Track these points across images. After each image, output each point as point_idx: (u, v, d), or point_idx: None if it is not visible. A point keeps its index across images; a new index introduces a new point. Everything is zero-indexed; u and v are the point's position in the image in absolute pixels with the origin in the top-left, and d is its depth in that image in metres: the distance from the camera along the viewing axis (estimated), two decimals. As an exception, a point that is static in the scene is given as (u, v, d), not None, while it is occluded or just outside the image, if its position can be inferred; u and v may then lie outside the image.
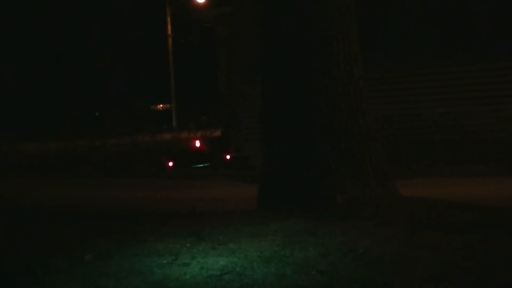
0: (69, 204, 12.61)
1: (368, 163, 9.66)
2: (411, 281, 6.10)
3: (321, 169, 9.50)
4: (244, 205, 10.46)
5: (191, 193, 13.75)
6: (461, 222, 8.34)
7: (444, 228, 7.94)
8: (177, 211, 10.74)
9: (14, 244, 8.57)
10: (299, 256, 7.02)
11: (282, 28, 9.84)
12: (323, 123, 9.58)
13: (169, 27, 34.68)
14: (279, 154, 9.81)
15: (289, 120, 9.73)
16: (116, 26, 29.44)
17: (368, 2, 17.55)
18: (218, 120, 23.57)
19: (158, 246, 7.70)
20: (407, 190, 10.11)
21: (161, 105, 47.73)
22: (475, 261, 6.57)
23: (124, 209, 11.70)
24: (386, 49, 18.69)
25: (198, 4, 31.26)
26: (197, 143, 18.75)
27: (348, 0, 9.90)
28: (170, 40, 34.68)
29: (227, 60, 22.21)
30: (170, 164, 17.38)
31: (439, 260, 6.62)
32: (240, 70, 20.31)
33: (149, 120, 28.88)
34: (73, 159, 20.74)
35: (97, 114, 37.54)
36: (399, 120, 18.35)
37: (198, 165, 17.61)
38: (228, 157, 18.25)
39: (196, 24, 30.25)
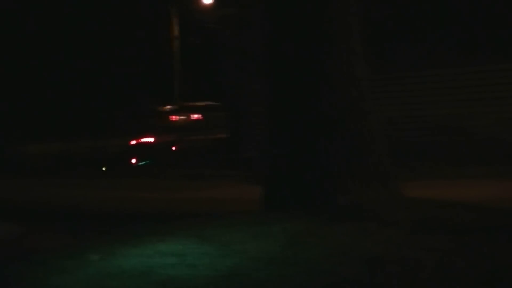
0: (71, 204, 12.64)
1: (371, 164, 9.68)
2: (412, 282, 6.15)
3: (324, 170, 9.52)
4: (248, 206, 10.47)
5: (194, 194, 13.78)
6: (463, 224, 8.36)
7: (446, 230, 7.97)
8: (180, 212, 10.77)
9: (16, 245, 8.61)
10: (302, 257, 7.06)
11: (284, 30, 9.87)
12: (326, 124, 9.61)
13: (174, 28, 34.70)
14: (283, 156, 9.83)
15: (292, 122, 9.76)
16: (122, 27, 29.46)
17: (373, 2, 17.55)
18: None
19: (161, 247, 7.74)
20: (410, 191, 10.12)
21: (167, 106, 47.68)
22: (475, 262, 6.61)
23: (127, 210, 11.73)
24: (389, 50, 18.71)
25: (203, 5, 31.31)
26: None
27: (352, 1, 9.93)
28: (175, 41, 34.70)
29: (231, 61, 22.23)
30: (134, 160, 17.94)
31: (439, 262, 6.67)
32: (244, 71, 20.34)
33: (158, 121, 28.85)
34: (75, 160, 20.77)
35: (101, 115, 37.44)
36: (402, 121, 18.37)
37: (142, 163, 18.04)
38: (174, 148, 18.82)
39: (201, 24, 30.24)
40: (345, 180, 9.47)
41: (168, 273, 6.74)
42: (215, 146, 20.93)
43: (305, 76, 9.69)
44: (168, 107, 25.72)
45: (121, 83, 29.38)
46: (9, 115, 24.19)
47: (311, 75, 9.67)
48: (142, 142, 19.19)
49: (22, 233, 9.28)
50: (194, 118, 23.51)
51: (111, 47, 28.27)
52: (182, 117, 23.76)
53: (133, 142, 19.21)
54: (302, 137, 9.66)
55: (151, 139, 19.34)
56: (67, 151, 21.84)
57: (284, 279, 6.40)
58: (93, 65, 27.75)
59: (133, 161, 17.84)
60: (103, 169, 17.86)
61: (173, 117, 23.95)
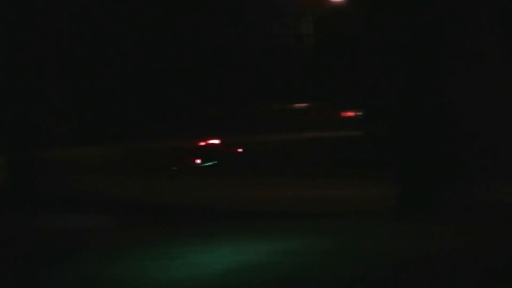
0: (189, 202, 12.56)
1: (493, 166, 9.66)
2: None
3: (452, 171, 9.56)
4: (369, 205, 10.54)
5: (314, 193, 13.45)
6: None
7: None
8: (302, 210, 10.75)
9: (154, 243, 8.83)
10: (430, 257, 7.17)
11: (415, 35, 9.91)
12: (453, 127, 9.64)
13: (305, 26, 34.86)
14: (412, 156, 9.91)
15: (421, 123, 9.79)
16: (250, 27, 29.79)
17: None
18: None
19: (289, 245, 7.96)
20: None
21: (300, 104, 47.61)
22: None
23: (249, 208, 11.66)
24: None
25: (333, 3, 31.29)
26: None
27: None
28: (306, 39, 34.82)
29: (363, 60, 22.15)
30: (198, 161, 18.37)
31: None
32: (376, 70, 20.25)
33: (288, 119, 28.95)
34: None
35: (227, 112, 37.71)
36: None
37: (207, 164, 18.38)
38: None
39: (333, 22, 30.26)
40: (471, 182, 9.47)
41: (290, 272, 6.92)
42: (350, 145, 20.81)
43: (427, 82, 9.71)
44: (303, 104, 25.75)
45: (244, 81, 29.58)
46: (119, 114, 24.69)
47: (430, 81, 9.70)
48: (208, 143, 19.66)
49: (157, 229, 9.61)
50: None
51: (237, 45, 28.49)
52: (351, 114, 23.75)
53: (201, 143, 19.70)
54: (431, 138, 9.71)
55: (217, 141, 19.81)
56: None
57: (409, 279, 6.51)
58: (219, 65, 28.06)
59: (198, 161, 18.33)
60: (174, 168, 18.20)
61: (346, 113, 23.97)
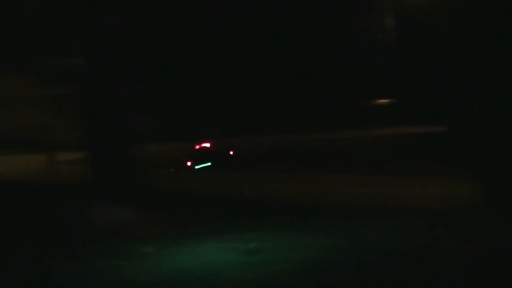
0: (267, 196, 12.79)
1: None
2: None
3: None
4: (450, 203, 10.49)
5: (397, 189, 13.47)
6: None
7: None
8: (382, 208, 10.81)
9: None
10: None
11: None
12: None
13: (390, 21, 34.58)
14: (492, 156, 9.88)
15: (502, 123, 9.67)
16: (340, 23, 29.73)
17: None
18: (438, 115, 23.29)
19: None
20: None
21: (384, 100, 47.25)
22: None
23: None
24: None
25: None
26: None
27: None
28: (391, 34, 34.55)
29: (446, 55, 21.84)
30: (189, 163, 19.05)
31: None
32: (457, 66, 19.96)
33: (370, 115, 28.91)
34: (298, 153, 20.95)
35: (319, 108, 37.72)
36: None
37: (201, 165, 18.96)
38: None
39: (416, 18, 29.99)
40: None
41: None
42: (432, 141, 20.66)
43: None
44: (386, 100, 25.63)
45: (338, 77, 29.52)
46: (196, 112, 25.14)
47: None
48: (201, 146, 20.36)
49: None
50: None
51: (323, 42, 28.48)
52: None
53: (196, 146, 20.49)
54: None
55: (208, 144, 20.60)
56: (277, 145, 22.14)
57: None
58: (306, 60, 28.08)
59: (188, 164, 19.13)
60: (172, 170, 18.79)
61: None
